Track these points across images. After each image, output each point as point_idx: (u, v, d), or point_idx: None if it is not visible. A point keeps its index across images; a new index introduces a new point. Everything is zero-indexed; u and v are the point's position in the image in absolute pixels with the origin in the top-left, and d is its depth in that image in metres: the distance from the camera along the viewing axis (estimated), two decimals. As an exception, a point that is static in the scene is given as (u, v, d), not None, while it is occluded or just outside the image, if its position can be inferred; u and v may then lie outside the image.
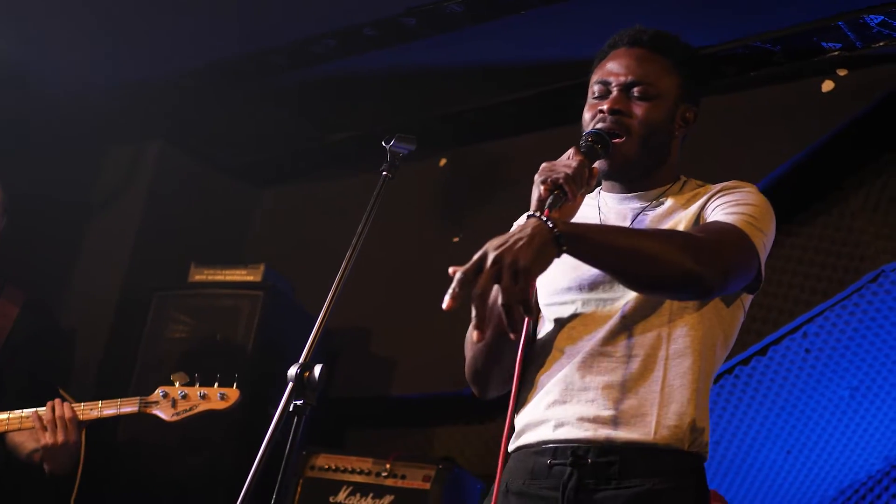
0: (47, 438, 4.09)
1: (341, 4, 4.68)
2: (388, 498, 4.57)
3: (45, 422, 4.10)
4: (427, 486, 4.47)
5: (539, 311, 2.66)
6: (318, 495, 4.71)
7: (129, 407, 4.17)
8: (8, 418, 4.19)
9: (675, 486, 2.43)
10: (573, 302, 2.62)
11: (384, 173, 2.90)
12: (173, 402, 4.15)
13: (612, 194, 2.76)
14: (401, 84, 5.20)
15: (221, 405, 4.21)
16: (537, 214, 2.28)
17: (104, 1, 4.84)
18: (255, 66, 5.19)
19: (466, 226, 5.19)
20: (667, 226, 2.61)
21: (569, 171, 2.46)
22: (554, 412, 2.55)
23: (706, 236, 2.46)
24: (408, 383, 5.23)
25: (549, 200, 2.41)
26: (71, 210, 5.98)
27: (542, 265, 2.21)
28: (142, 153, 5.99)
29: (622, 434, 2.47)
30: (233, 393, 4.21)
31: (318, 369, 2.68)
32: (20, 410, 4.18)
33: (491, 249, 2.18)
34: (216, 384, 4.22)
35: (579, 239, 2.28)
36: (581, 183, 2.49)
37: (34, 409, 4.14)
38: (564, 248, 2.24)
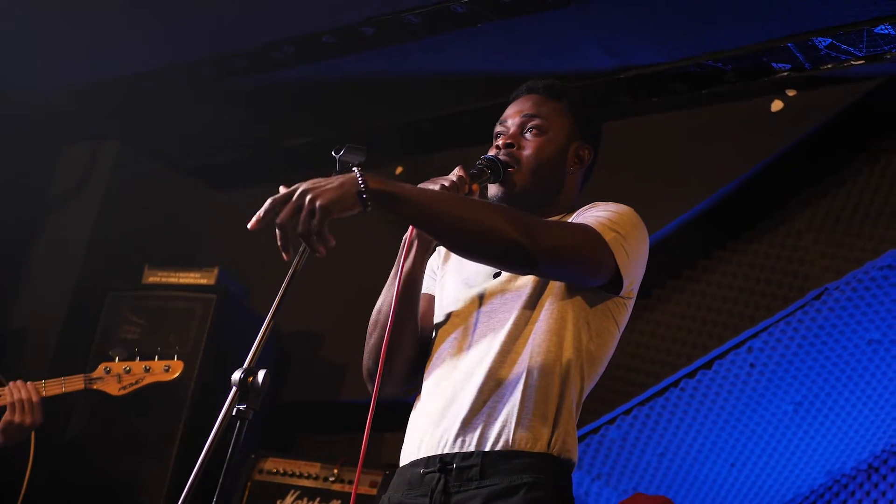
0: (15, 417, 4.13)
1: (301, 12, 4.70)
2: (336, 503, 4.60)
3: (14, 401, 4.15)
4: (374, 491, 4.51)
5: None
6: (266, 499, 4.73)
7: (73, 384, 4.20)
8: None
9: (532, 483, 2.54)
10: (464, 318, 2.79)
11: (335, 183, 2.92)
12: (118, 377, 4.20)
13: None
14: (358, 92, 5.23)
15: (167, 377, 4.28)
16: (360, 174, 2.43)
17: (60, 0, 4.83)
18: (214, 68, 5.20)
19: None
20: None
21: (447, 182, 2.66)
22: (430, 424, 2.71)
23: (546, 221, 2.63)
24: (358, 388, 5.25)
25: None
26: (25, 208, 5.97)
27: (341, 210, 2.37)
28: (98, 153, 5.98)
29: (485, 439, 2.60)
30: (176, 364, 4.27)
31: (261, 374, 2.69)
32: None
33: (301, 186, 2.38)
34: (157, 357, 4.26)
35: (389, 197, 2.42)
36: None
37: None
38: (369, 204, 2.39)
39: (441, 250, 3.04)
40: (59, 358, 5.46)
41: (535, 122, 2.89)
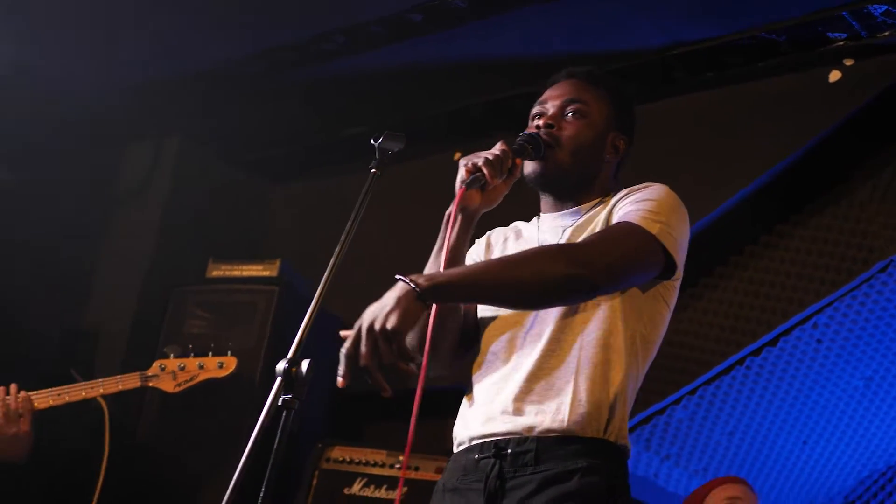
0: (2, 428, 4.15)
1: (349, 2, 4.72)
2: (402, 490, 4.61)
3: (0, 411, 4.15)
4: (438, 477, 4.51)
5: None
6: (334, 487, 4.75)
7: (130, 382, 4.25)
8: None
9: (587, 467, 2.53)
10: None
11: (373, 171, 2.93)
12: (173, 374, 4.24)
13: (546, 213, 2.91)
14: (409, 80, 5.23)
15: (220, 373, 4.31)
16: (407, 280, 2.42)
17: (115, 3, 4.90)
18: (267, 63, 5.25)
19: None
20: (586, 233, 2.73)
21: (490, 155, 2.66)
22: (483, 410, 2.70)
23: (585, 240, 2.63)
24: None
25: (468, 179, 2.64)
26: (92, 210, 6.06)
27: (410, 323, 2.38)
28: (160, 151, 6.05)
29: (538, 423, 2.59)
30: (230, 360, 4.30)
31: (304, 364, 2.71)
32: None
33: (365, 322, 2.40)
34: (210, 353, 4.30)
35: (443, 287, 2.43)
36: (501, 168, 2.68)
37: None
38: (429, 301, 2.40)
39: (482, 242, 3.03)
40: (130, 355, 5.53)
41: (577, 105, 2.86)
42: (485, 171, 2.64)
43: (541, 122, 2.84)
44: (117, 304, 5.78)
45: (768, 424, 4.91)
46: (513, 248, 2.91)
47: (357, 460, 4.77)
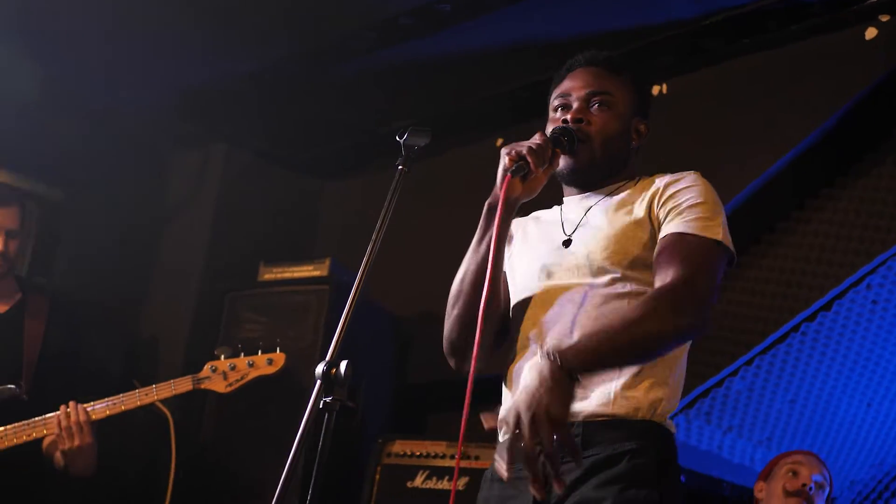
0: (65, 443, 4.20)
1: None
2: (464, 479, 4.62)
3: (61, 427, 4.20)
4: (498, 465, 4.51)
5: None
6: (397, 482, 4.77)
7: (182, 386, 4.30)
8: (31, 425, 4.28)
9: (635, 449, 2.54)
10: (540, 290, 2.77)
11: (399, 167, 2.94)
12: (224, 374, 4.28)
13: (570, 196, 2.91)
14: (449, 68, 5.22)
15: (270, 370, 4.35)
16: (552, 358, 2.40)
17: (146, 11, 4.95)
18: (304, 63, 5.27)
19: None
20: (619, 214, 2.73)
21: (533, 144, 2.67)
22: None
23: (675, 277, 2.57)
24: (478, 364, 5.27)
25: (513, 168, 2.64)
26: (145, 220, 6.13)
27: (568, 403, 2.37)
28: (207, 157, 6.11)
29: (583, 408, 2.58)
30: (279, 357, 4.34)
31: (343, 365, 2.74)
32: (42, 417, 4.27)
33: (523, 412, 2.35)
34: (259, 351, 4.34)
35: (582, 361, 2.43)
36: (543, 158, 2.68)
37: (55, 414, 4.23)
38: (578, 377, 2.41)
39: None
40: (189, 362, 5.57)
41: (602, 97, 2.83)
42: (529, 159, 2.65)
43: (568, 118, 2.82)
44: (174, 313, 5.84)
45: (829, 389, 4.87)
46: (534, 237, 2.90)
47: (418, 453, 4.79)
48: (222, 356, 4.29)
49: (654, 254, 2.65)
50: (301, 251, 5.97)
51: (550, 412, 2.32)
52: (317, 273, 5.25)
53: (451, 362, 2.94)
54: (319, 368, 2.73)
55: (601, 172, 2.84)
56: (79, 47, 5.31)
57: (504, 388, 2.84)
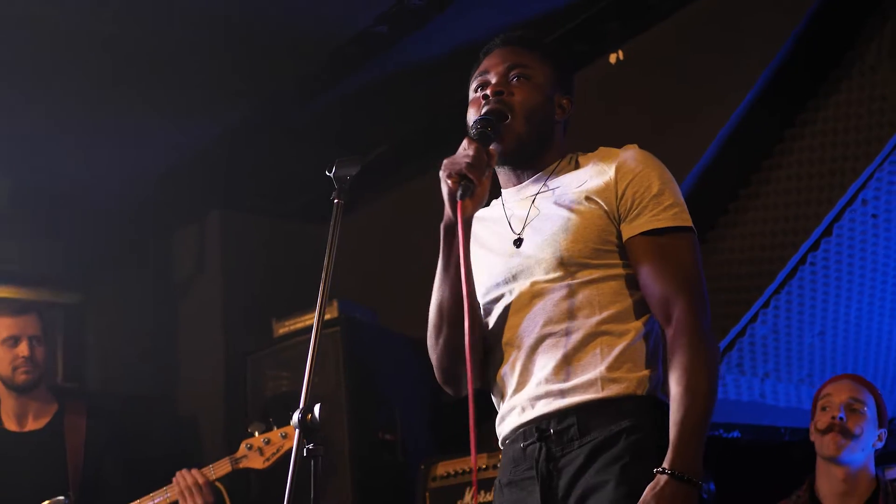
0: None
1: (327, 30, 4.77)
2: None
3: (182, 492, 4.29)
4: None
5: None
6: (446, 503, 4.77)
7: (221, 469, 4.33)
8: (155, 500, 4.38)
9: (630, 426, 2.52)
10: (507, 293, 2.72)
11: (335, 201, 2.92)
12: (260, 450, 4.30)
13: (509, 189, 2.86)
14: (403, 85, 5.23)
15: None
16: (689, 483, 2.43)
17: (100, 105, 5.01)
18: (266, 114, 5.31)
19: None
20: (568, 202, 2.69)
21: (468, 159, 2.60)
22: (516, 400, 2.66)
23: (680, 306, 2.56)
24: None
25: (458, 192, 2.59)
26: (160, 301, 6.20)
27: None
28: (204, 227, 6.16)
29: (575, 398, 2.56)
30: None
31: (316, 409, 2.73)
32: (162, 490, 4.36)
33: None
34: (291, 421, 4.33)
35: (700, 460, 2.45)
36: (482, 167, 2.62)
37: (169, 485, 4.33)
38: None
39: None
40: (230, 432, 5.62)
41: (520, 69, 2.79)
42: (471, 176, 2.59)
43: (488, 91, 2.76)
44: (205, 385, 5.90)
45: (855, 312, 4.78)
46: (484, 241, 2.84)
47: (461, 470, 4.78)
48: (256, 433, 4.32)
49: (635, 258, 2.62)
50: (314, 296, 5.97)
51: None
52: (326, 317, 5.23)
53: (448, 390, 2.90)
54: (295, 418, 2.70)
55: (530, 149, 2.78)
56: (48, 152, 5.39)
57: (494, 398, 2.80)
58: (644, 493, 2.39)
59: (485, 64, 2.85)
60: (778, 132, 4.65)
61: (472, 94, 2.85)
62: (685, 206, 2.65)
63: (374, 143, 5.67)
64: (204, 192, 5.98)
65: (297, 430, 2.71)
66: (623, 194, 2.65)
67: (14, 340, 4.57)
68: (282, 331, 5.41)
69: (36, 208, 5.75)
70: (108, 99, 5.13)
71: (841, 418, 4.08)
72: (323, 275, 2.85)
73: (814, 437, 4.17)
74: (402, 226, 5.71)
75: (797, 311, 4.74)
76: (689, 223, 2.63)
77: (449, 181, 2.61)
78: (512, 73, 2.79)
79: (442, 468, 4.83)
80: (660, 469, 2.41)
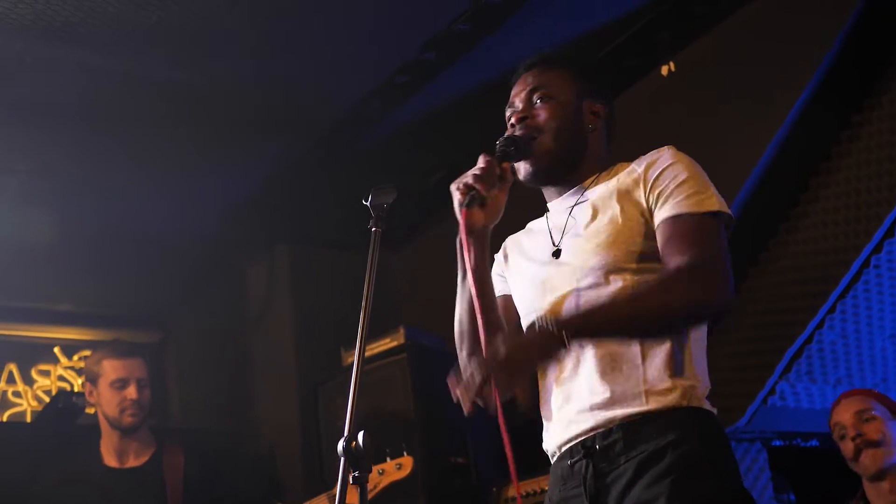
0: None
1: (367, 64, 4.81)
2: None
3: None
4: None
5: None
6: (520, 525, 4.76)
7: None
8: None
9: (676, 439, 2.49)
10: (536, 309, 2.74)
11: (373, 229, 2.95)
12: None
13: (552, 202, 2.88)
14: (459, 111, 5.26)
15: (401, 474, 4.37)
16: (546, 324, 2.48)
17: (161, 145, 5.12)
18: (327, 147, 5.37)
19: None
20: (604, 210, 2.70)
21: (477, 170, 2.71)
22: (560, 415, 2.68)
23: (683, 259, 2.55)
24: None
25: (465, 201, 2.69)
26: (234, 338, 6.28)
27: (538, 359, 2.56)
28: (273, 262, 6.23)
29: (619, 412, 2.56)
30: (407, 461, 4.35)
31: (360, 437, 2.75)
32: None
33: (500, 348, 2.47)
34: (388, 458, 4.37)
35: (576, 326, 2.51)
36: (491, 179, 2.71)
37: None
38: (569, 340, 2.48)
39: (500, 255, 3.01)
40: (308, 464, 5.67)
41: (541, 91, 2.84)
42: (477, 186, 2.68)
43: (513, 120, 2.84)
44: (281, 417, 5.95)
45: (929, 309, 4.69)
46: (528, 248, 2.88)
47: (532, 491, 4.74)
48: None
49: (659, 244, 2.62)
50: (388, 325, 6.03)
51: (513, 356, 2.45)
52: (394, 343, 5.29)
53: (479, 400, 2.91)
54: (340, 446, 2.72)
55: (565, 163, 2.81)
56: (120, 195, 5.51)
57: (542, 412, 2.81)
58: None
59: (512, 93, 2.92)
60: (835, 134, 4.60)
61: (508, 126, 2.90)
62: (714, 192, 2.64)
63: (434, 169, 5.71)
64: (272, 226, 6.06)
65: (342, 459, 2.72)
66: (651, 187, 2.66)
67: (122, 383, 4.65)
68: (349, 360, 5.43)
69: (111, 250, 5.85)
70: (173, 139, 5.23)
71: (859, 435, 4.03)
72: (363, 303, 2.87)
73: (851, 464, 4.12)
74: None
75: (865, 314, 4.67)
76: (716, 207, 2.61)
77: (458, 192, 2.72)
78: (535, 97, 2.84)
79: (512, 490, 4.81)
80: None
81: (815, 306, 4.60)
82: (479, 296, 2.71)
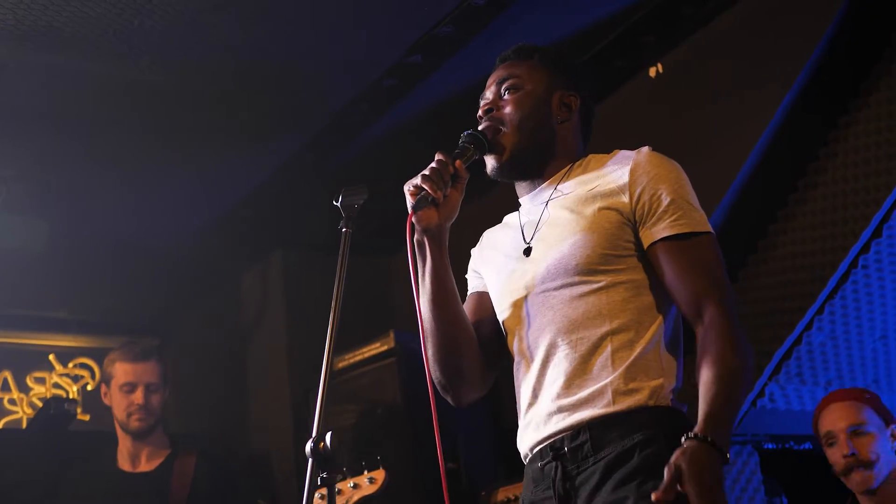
0: None
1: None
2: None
3: None
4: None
5: None
6: (509, 528, 4.75)
7: None
8: None
9: (643, 440, 2.48)
10: (518, 302, 2.72)
11: (343, 230, 2.94)
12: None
13: (524, 198, 2.86)
14: (452, 109, 5.24)
15: (372, 489, 4.33)
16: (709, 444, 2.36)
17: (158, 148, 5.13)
18: (315, 152, 5.36)
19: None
20: (579, 207, 2.67)
21: (426, 171, 2.69)
22: (531, 416, 2.65)
23: (710, 308, 2.54)
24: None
25: (414, 203, 2.67)
26: (228, 341, 6.28)
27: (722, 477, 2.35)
28: (268, 267, 6.23)
29: (586, 413, 2.54)
30: (379, 474, 4.32)
31: (328, 437, 2.74)
32: None
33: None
34: (364, 471, 4.35)
35: (727, 434, 2.39)
36: (441, 179, 2.68)
37: None
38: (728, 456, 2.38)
39: (476, 249, 2.99)
40: (302, 468, 5.64)
41: (509, 82, 2.84)
42: (426, 187, 2.66)
43: (481, 112, 2.84)
44: (275, 422, 5.95)
45: (917, 310, 4.66)
46: (501, 247, 2.86)
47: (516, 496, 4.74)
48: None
49: (656, 261, 2.60)
50: (381, 330, 6.02)
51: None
52: (383, 348, 5.29)
53: (448, 399, 2.88)
54: (308, 446, 2.72)
55: (529, 155, 2.79)
56: (115, 202, 5.52)
57: (518, 407, 2.77)
58: (673, 456, 2.32)
59: (486, 85, 2.91)
60: (822, 134, 4.58)
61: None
62: (701, 208, 2.64)
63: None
64: (266, 232, 6.06)
65: (310, 460, 2.72)
66: (639, 198, 2.63)
67: (131, 387, 4.66)
68: (341, 364, 5.44)
69: (106, 258, 5.86)
70: (165, 146, 5.23)
71: (853, 454, 3.93)
72: (332, 303, 2.85)
73: (839, 476, 4.02)
74: (454, 257, 5.71)
75: (854, 315, 4.63)
76: (709, 228, 2.61)
77: (409, 194, 2.69)
78: (503, 88, 2.83)
79: (503, 494, 4.80)
80: (687, 436, 2.34)
81: (803, 307, 4.57)
82: (434, 298, 2.72)
